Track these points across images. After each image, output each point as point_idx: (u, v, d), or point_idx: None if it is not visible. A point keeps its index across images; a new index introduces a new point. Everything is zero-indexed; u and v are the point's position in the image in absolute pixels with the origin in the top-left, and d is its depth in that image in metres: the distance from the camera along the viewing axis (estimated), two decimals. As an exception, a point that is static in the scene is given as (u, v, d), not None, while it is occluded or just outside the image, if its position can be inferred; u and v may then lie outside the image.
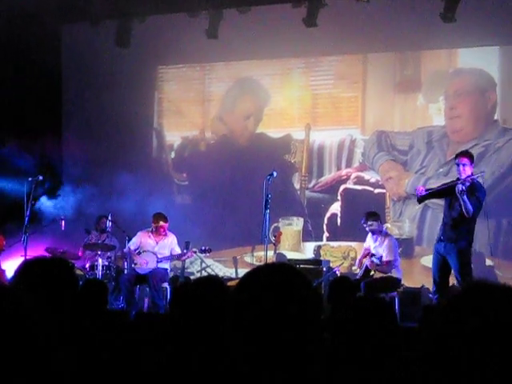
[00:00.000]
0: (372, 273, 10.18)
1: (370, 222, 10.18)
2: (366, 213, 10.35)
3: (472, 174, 8.74)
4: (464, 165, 8.69)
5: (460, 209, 8.63)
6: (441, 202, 9.43)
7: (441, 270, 8.94)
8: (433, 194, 9.06)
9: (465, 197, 8.48)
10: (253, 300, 2.05)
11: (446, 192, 8.89)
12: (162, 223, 11.25)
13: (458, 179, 8.70)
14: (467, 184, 8.58)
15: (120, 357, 2.94)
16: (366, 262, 10.18)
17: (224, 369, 2.24)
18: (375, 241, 10.23)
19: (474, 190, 8.68)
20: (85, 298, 5.84)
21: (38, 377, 1.72)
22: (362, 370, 2.79)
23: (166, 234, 11.36)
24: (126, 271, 11.43)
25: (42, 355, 1.74)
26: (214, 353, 2.56)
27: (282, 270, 2.14)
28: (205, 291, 2.92)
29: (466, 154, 8.97)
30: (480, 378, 1.52)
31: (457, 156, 8.93)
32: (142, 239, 11.37)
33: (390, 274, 10.05)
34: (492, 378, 1.52)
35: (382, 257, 9.98)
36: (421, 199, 9.09)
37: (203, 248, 11.29)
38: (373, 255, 10.11)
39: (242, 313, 2.05)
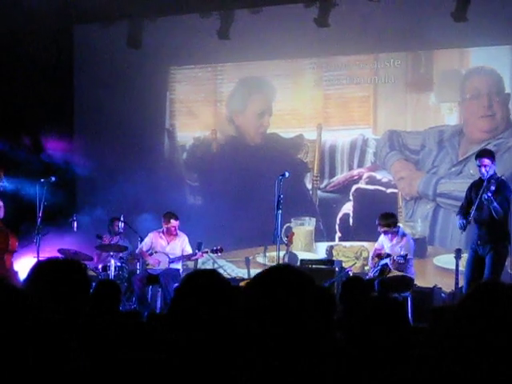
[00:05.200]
0: (386, 272, 10.11)
1: (381, 228, 10.15)
2: (380, 214, 10.30)
3: (495, 173, 8.67)
4: (486, 166, 8.59)
5: (488, 209, 8.54)
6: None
7: (476, 271, 8.74)
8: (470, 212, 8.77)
9: (494, 204, 8.42)
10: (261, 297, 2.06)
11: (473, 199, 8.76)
12: (172, 222, 11.26)
13: (481, 179, 8.68)
14: (493, 188, 8.46)
15: (125, 356, 2.95)
16: (383, 262, 10.07)
17: (225, 369, 2.24)
18: (391, 240, 10.19)
19: (501, 188, 8.59)
20: (98, 298, 5.86)
21: (48, 376, 1.73)
22: (374, 369, 2.78)
23: (177, 234, 11.36)
24: (138, 272, 11.46)
25: (51, 355, 1.74)
26: (214, 352, 2.56)
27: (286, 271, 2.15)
28: (207, 281, 2.91)
29: (487, 153, 8.86)
30: (486, 378, 1.52)
31: (477, 157, 8.81)
32: (153, 240, 11.39)
33: (404, 274, 10.00)
34: (498, 378, 1.52)
35: (406, 255, 9.82)
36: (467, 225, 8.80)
37: (215, 248, 11.28)
38: (388, 255, 10.02)
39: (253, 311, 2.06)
